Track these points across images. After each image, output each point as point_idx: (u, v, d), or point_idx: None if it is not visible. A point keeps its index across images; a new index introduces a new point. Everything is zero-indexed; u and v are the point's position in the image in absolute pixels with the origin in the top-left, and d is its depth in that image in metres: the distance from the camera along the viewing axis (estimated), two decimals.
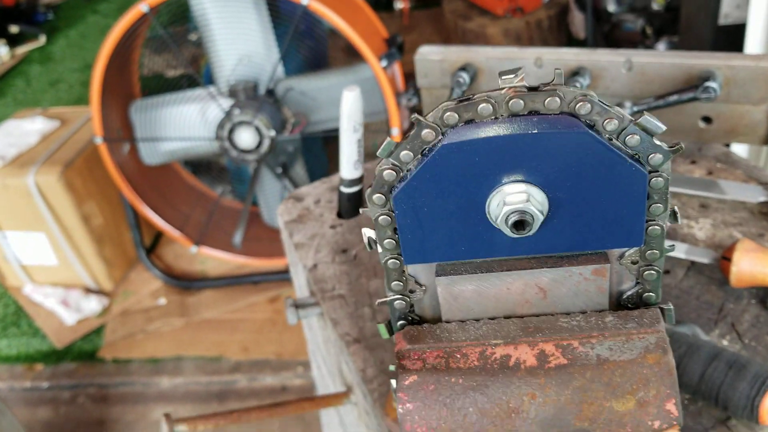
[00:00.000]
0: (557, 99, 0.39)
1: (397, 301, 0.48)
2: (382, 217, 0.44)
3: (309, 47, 2.24)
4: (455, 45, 1.10)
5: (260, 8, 2.04)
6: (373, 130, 2.20)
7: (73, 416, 2.12)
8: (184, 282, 2.38)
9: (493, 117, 0.41)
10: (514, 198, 0.41)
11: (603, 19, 2.61)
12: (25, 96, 3.63)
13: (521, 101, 0.40)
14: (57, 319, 2.32)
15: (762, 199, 0.88)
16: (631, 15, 2.65)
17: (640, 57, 0.97)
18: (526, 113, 0.40)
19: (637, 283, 0.46)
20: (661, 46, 2.42)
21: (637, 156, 0.41)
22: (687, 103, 0.95)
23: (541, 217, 0.41)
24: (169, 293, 2.37)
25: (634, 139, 0.40)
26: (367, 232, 0.45)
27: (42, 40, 4.01)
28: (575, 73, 0.99)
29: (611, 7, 2.64)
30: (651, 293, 0.46)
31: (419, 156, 0.42)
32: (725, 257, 0.78)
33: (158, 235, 2.55)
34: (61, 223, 2.24)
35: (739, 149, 1.51)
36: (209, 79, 2.17)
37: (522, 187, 0.41)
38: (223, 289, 2.36)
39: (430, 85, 1.12)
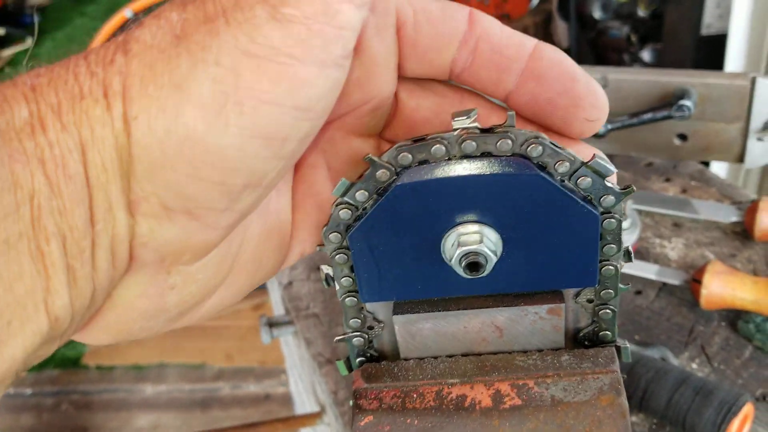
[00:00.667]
0: (509, 141, 0.39)
1: (356, 338, 0.47)
2: (338, 255, 0.44)
3: None
4: None
5: None
6: None
7: (56, 423, 2.11)
8: None
9: (446, 158, 0.40)
10: (468, 238, 0.41)
11: (588, 26, 2.61)
12: None
13: (473, 143, 0.40)
14: None
15: (734, 219, 0.88)
16: (616, 22, 2.65)
17: (615, 74, 0.97)
18: (478, 154, 0.40)
19: (593, 321, 0.46)
20: (646, 53, 2.43)
21: (589, 197, 0.40)
22: (662, 121, 0.95)
23: (495, 258, 0.41)
24: None
25: (585, 181, 0.40)
26: (325, 269, 0.45)
27: (28, 42, 3.98)
28: None
29: (597, 14, 2.65)
30: (607, 331, 0.46)
31: (374, 195, 0.42)
32: (696, 279, 0.78)
33: None
34: None
35: (718, 167, 1.52)
36: None
37: (476, 227, 0.41)
38: None
39: None
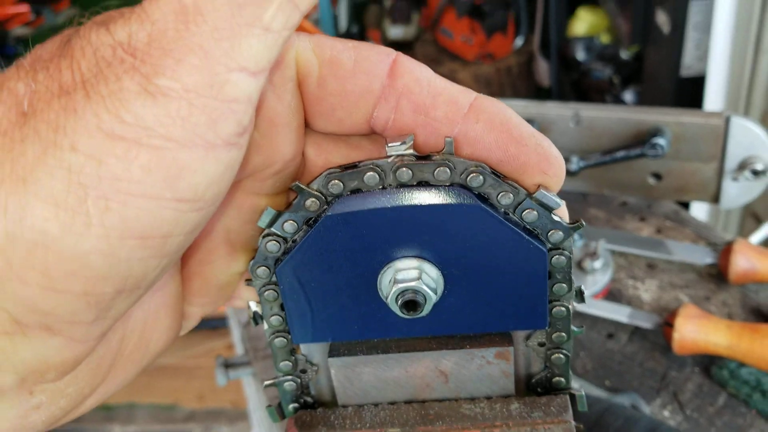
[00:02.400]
0: (447, 170, 0.36)
1: (287, 383, 0.44)
2: (267, 291, 0.40)
3: None
4: None
5: None
6: None
7: None
8: None
9: (380, 186, 0.37)
10: (405, 275, 0.38)
11: (572, 67, 2.63)
12: None
13: (409, 171, 0.36)
14: None
15: (709, 261, 0.86)
16: (599, 63, 2.67)
17: (588, 111, 0.95)
18: (415, 183, 0.37)
19: (546, 366, 0.42)
20: (628, 95, 2.44)
21: (536, 232, 0.37)
22: (637, 159, 0.93)
23: (434, 297, 0.38)
24: None
25: (531, 215, 0.37)
26: (252, 306, 0.41)
27: None
28: None
29: (580, 56, 2.67)
30: (560, 378, 0.42)
31: (304, 226, 0.38)
32: (668, 323, 0.75)
33: None
34: None
35: (698, 207, 1.50)
36: None
37: (414, 263, 0.38)
38: None
39: None
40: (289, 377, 0.43)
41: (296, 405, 0.44)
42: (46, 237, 0.21)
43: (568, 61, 2.65)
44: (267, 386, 0.43)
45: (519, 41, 2.88)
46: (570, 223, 0.37)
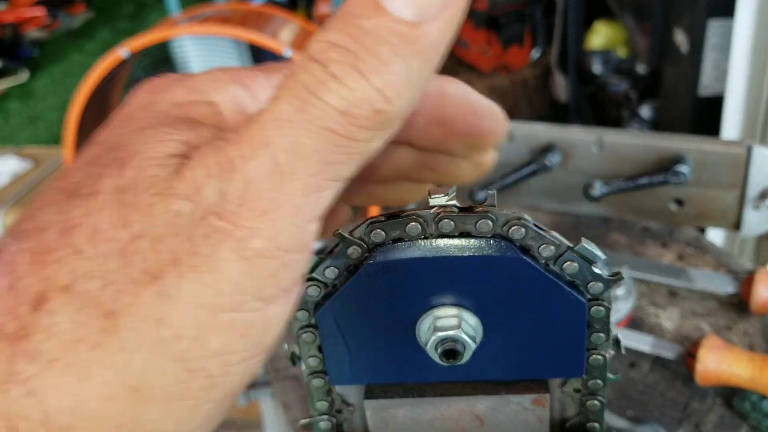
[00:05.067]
0: (489, 222, 0.37)
1: (323, 422, 0.44)
2: (305, 333, 0.41)
3: None
4: None
5: (243, 58, 2.04)
6: None
7: None
8: None
9: (422, 236, 0.38)
10: (445, 323, 0.38)
11: (588, 80, 2.62)
12: (3, 132, 3.58)
13: (451, 222, 0.37)
14: None
15: (730, 290, 0.85)
16: (615, 77, 2.67)
17: (611, 136, 0.95)
18: (456, 234, 0.37)
19: (581, 411, 0.43)
20: (645, 110, 2.43)
21: (575, 283, 0.38)
22: (658, 186, 0.93)
23: (474, 345, 0.38)
24: None
25: (572, 267, 0.37)
26: (291, 347, 0.42)
27: (24, 76, 3.98)
28: (546, 149, 0.97)
29: (596, 69, 2.66)
30: (594, 423, 0.43)
31: (345, 273, 0.39)
32: (691, 353, 0.75)
33: None
34: None
35: (715, 234, 1.49)
36: None
37: (454, 311, 0.38)
38: None
39: None
40: (325, 416, 0.44)
41: None
42: None
43: (584, 74, 2.64)
44: (303, 425, 0.44)
45: (535, 53, 2.88)
46: (610, 276, 0.38)
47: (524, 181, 0.99)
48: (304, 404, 0.80)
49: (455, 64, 2.95)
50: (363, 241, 0.38)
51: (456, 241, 0.37)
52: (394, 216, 0.37)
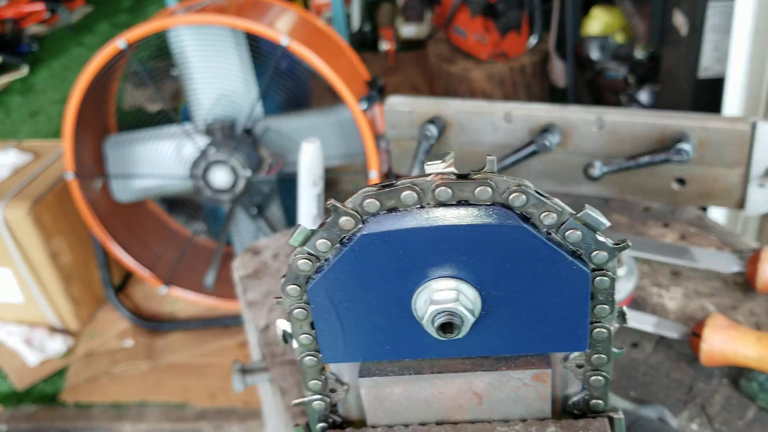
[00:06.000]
0: (489, 189, 0.35)
1: (316, 402, 0.43)
2: (297, 310, 0.39)
3: (289, 87, 2.21)
4: (425, 97, 1.07)
5: (240, 47, 2.01)
6: (353, 172, 2.17)
7: None
8: (153, 323, 2.31)
9: (418, 206, 0.36)
10: (442, 296, 0.37)
11: (586, 66, 2.60)
12: (4, 126, 3.58)
13: (449, 190, 0.35)
14: (19, 358, 2.23)
15: (736, 269, 0.84)
16: (614, 63, 2.64)
17: (611, 116, 0.94)
18: (454, 203, 0.36)
19: (584, 388, 0.41)
20: (643, 95, 2.41)
21: (578, 252, 0.36)
22: (660, 165, 0.91)
23: (472, 319, 0.37)
24: (136, 334, 2.30)
25: (574, 235, 0.35)
26: (282, 325, 0.40)
27: (24, 71, 3.97)
28: (545, 130, 0.96)
29: (594, 55, 2.64)
30: (599, 400, 0.41)
31: (337, 245, 0.37)
32: (695, 333, 0.74)
33: (129, 274, 2.49)
34: (28, 260, 2.18)
35: (717, 213, 1.48)
36: (188, 116, 2.13)
37: (451, 283, 0.37)
38: (192, 331, 2.29)
39: (399, 137, 1.09)
40: (318, 396, 0.42)
41: (324, 425, 0.43)
42: None
43: (582, 60, 2.62)
44: (296, 405, 0.42)
45: (533, 40, 2.86)
46: (615, 244, 0.36)
47: (523, 161, 0.97)
48: (301, 389, 0.79)
49: (452, 53, 2.93)
50: (356, 211, 0.36)
51: (454, 210, 0.36)
52: (388, 185, 0.36)
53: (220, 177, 2.03)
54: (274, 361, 0.83)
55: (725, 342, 0.72)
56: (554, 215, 0.35)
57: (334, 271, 0.38)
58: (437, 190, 0.35)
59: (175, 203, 2.42)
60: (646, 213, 0.99)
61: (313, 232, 0.37)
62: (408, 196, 0.36)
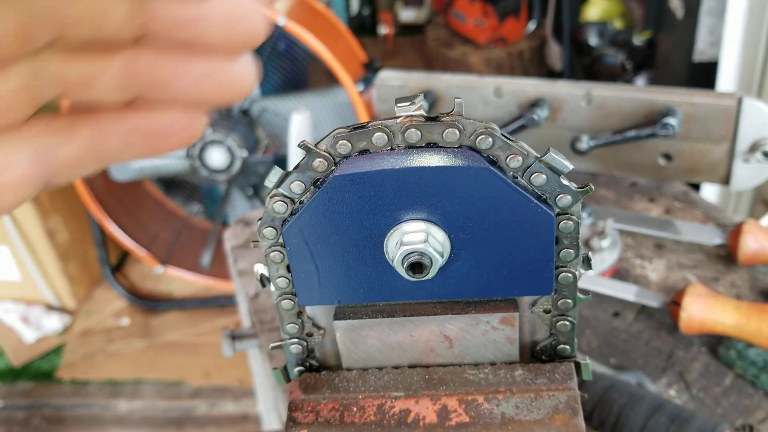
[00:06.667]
0: (456, 131, 0.36)
1: (293, 346, 0.44)
2: (273, 252, 0.41)
3: (287, 68, 2.21)
4: (416, 71, 1.08)
5: None
6: None
7: None
8: (149, 302, 2.32)
9: (388, 147, 0.37)
10: (412, 237, 0.38)
11: (584, 52, 2.60)
12: None
13: (418, 132, 0.36)
14: (16, 335, 2.25)
15: (718, 241, 0.85)
16: (612, 49, 2.65)
17: (599, 90, 0.95)
18: (423, 145, 0.37)
19: (551, 333, 0.42)
20: (640, 80, 2.42)
21: (543, 196, 0.37)
22: (647, 140, 0.92)
23: (441, 260, 0.38)
24: (133, 313, 2.31)
25: (539, 178, 0.37)
26: (260, 269, 0.41)
27: None
28: (534, 104, 0.97)
29: (593, 41, 2.64)
30: (565, 345, 0.42)
31: (311, 187, 0.38)
32: (675, 302, 0.75)
33: (125, 253, 2.50)
34: (26, 238, 2.19)
35: (708, 189, 1.49)
36: None
37: (421, 225, 0.38)
38: (188, 311, 2.31)
39: (390, 111, 1.09)
40: (295, 340, 0.43)
41: (301, 368, 0.45)
42: None
43: (580, 46, 2.62)
44: (273, 348, 0.44)
45: (531, 25, 2.86)
46: (579, 187, 0.37)
47: (512, 135, 0.98)
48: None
49: (451, 37, 2.93)
50: (328, 153, 0.37)
51: (423, 152, 0.37)
52: (360, 126, 0.37)
53: (216, 157, 2.04)
54: (263, 328, 0.84)
55: (704, 310, 0.73)
56: (520, 158, 0.36)
57: (308, 213, 0.39)
58: (407, 132, 0.36)
59: (172, 183, 2.43)
60: (632, 188, 1.00)
61: (287, 174, 0.38)
62: (379, 137, 0.37)
